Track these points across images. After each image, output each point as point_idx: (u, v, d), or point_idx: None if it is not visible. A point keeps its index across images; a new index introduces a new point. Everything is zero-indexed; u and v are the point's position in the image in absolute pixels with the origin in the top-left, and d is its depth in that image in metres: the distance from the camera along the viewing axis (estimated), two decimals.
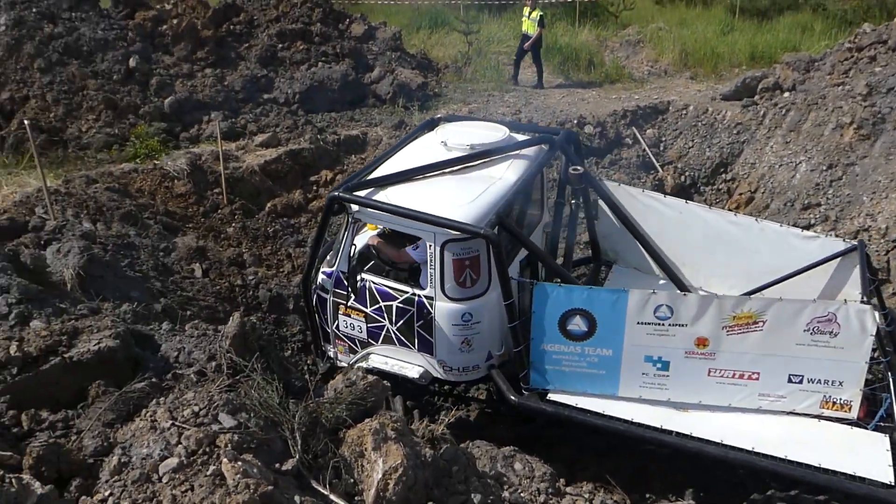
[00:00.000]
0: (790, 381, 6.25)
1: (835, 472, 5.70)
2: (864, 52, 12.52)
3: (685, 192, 13.19)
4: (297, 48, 15.65)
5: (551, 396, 6.71)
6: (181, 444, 3.48)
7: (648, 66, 18.63)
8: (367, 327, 7.09)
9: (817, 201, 11.10)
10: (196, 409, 3.69)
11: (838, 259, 7.07)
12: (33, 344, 4.07)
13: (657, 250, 8.00)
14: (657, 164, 13.52)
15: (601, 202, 8.15)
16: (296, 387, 4.43)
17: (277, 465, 3.65)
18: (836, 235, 9.25)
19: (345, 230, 6.99)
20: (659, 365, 6.44)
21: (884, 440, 5.96)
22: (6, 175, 11.60)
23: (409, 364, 7.08)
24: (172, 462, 3.37)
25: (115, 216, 9.62)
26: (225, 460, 3.32)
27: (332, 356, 7.52)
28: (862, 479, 5.62)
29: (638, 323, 6.30)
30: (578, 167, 7.74)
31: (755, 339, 6.15)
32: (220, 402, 3.73)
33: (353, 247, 6.91)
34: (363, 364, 7.16)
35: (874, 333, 5.89)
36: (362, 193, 6.83)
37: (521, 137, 7.93)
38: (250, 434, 3.62)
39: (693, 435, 6.17)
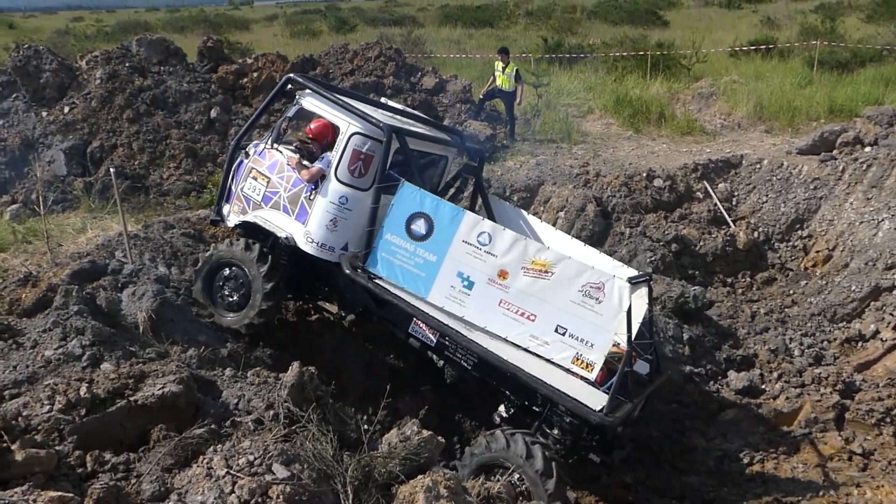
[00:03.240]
0: (556, 331, 7.01)
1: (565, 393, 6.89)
2: None
3: (759, 248, 12.81)
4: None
5: (378, 281, 7.81)
6: (234, 493, 3.50)
7: (721, 119, 18.35)
8: (266, 191, 8.44)
9: None
10: (251, 458, 3.72)
11: (640, 284, 7.59)
12: (102, 386, 4.20)
13: None
14: (729, 219, 13.20)
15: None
16: (351, 438, 4.41)
17: None
18: None
19: (287, 112, 8.56)
20: (466, 283, 7.36)
21: (591, 389, 6.89)
22: (91, 219, 12.21)
23: (281, 228, 8.32)
24: None
25: (189, 261, 9.93)
26: None
27: (224, 214, 8.94)
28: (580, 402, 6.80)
29: (463, 241, 7.34)
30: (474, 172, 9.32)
31: (542, 286, 7.03)
32: (274, 452, 3.74)
33: (286, 131, 8.53)
34: (249, 220, 8.55)
35: (626, 310, 6.70)
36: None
37: (455, 136, 9.51)
38: (302, 486, 3.62)
39: (490, 350, 7.18)
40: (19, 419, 3.86)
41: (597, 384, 6.92)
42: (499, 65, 16.20)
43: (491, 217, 9.00)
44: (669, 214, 13.20)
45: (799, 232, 12.75)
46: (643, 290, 7.49)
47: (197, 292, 8.77)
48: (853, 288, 10.86)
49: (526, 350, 7.17)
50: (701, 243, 12.65)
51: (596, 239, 12.59)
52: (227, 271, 8.74)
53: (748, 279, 12.59)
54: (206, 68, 15.57)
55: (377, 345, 10.02)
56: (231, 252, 8.66)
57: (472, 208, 9.35)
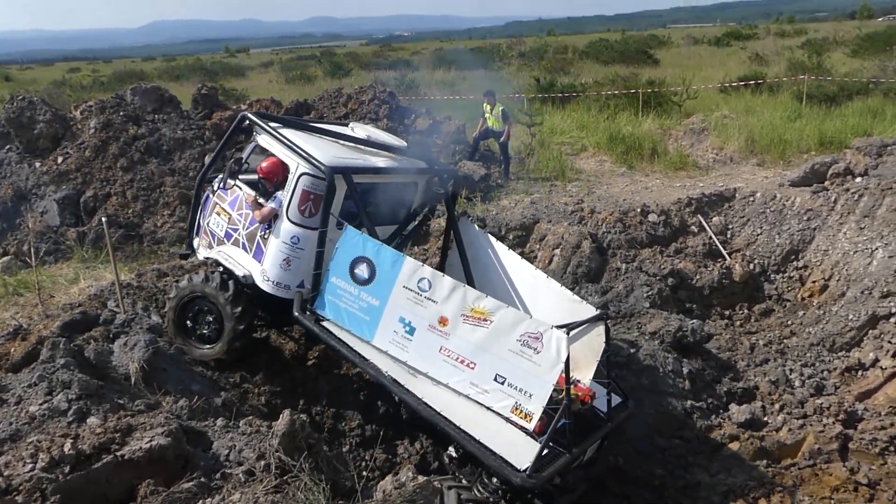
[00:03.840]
0: (496, 379, 6.94)
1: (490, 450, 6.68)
2: None
3: (755, 280, 12.78)
4: None
5: (325, 323, 7.87)
6: None
7: (713, 153, 18.48)
8: (227, 228, 8.62)
9: None
10: None
11: (596, 323, 7.72)
12: (87, 441, 4.11)
13: (472, 273, 9.08)
14: (724, 252, 13.19)
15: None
16: (345, 487, 4.31)
17: None
18: None
19: (247, 148, 8.77)
20: (407, 328, 7.38)
21: (536, 445, 6.68)
22: (84, 269, 12.19)
23: (241, 266, 8.43)
24: None
25: None
26: None
27: (195, 247, 9.17)
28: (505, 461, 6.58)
29: (404, 286, 7.37)
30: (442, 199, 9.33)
31: (481, 334, 7.00)
32: None
33: (247, 165, 8.68)
34: (213, 257, 8.78)
35: (565, 361, 6.61)
36: (272, 125, 8.35)
37: (419, 162, 9.28)
38: None
39: (422, 399, 7.09)
40: (0, 479, 3.77)
41: (535, 435, 6.79)
42: (487, 106, 16.40)
43: (459, 243, 9.19)
44: (665, 249, 13.19)
45: (794, 263, 12.73)
46: (601, 328, 7.55)
47: (170, 330, 8.83)
48: (850, 317, 10.80)
49: (466, 397, 7.10)
50: (697, 277, 12.62)
51: (592, 275, 12.55)
52: (197, 305, 8.80)
53: (746, 311, 12.53)
54: (200, 115, 15.70)
55: (374, 388, 9.90)
56: (200, 287, 8.69)
57: (446, 234, 9.61)
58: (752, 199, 13.96)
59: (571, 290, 12.09)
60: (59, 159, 14.09)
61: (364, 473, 7.59)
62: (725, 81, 26.48)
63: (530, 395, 6.79)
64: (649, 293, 11.75)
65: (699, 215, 13.85)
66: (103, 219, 9.78)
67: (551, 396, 6.83)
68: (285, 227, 8.10)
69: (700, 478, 8.91)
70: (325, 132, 8.81)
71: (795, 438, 9.09)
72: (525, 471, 6.48)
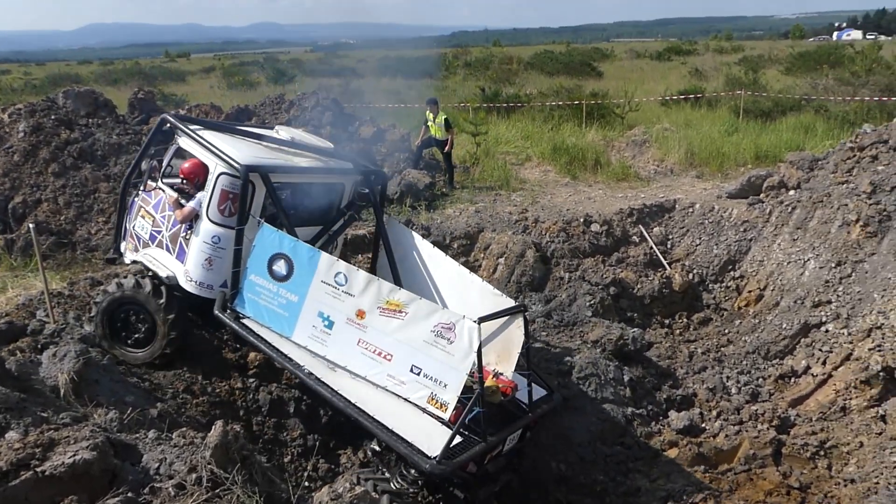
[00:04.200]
0: (412, 370, 7.09)
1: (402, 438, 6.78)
2: (866, 152, 12.60)
3: (694, 289, 13.04)
4: None
5: (245, 321, 7.96)
6: None
7: (654, 165, 18.87)
8: (151, 230, 8.71)
9: (828, 298, 10.89)
10: None
11: (515, 315, 7.85)
12: (4, 458, 3.90)
13: (399, 272, 9.26)
14: (665, 262, 13.44)
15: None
16: (281, 499, 4.19)
17: None
18: (850, 334, 10.20)
19: (168, 151, 8.80)
20: (326, 323, 7.52)
21: (443, 430, 6.82)
22: (13, 277, 11.69)
23: (165, 267, 8.53)
24: None
25: None
26: None
27: (122, 251, 9.27)
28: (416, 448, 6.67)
29: (321, 281, 7.49)
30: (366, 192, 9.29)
31: (396, 326, 7.15)
32: None
33: (170, 167, 8.74)
34: (139, 260, 8.86)
35: (476, 351, 6.74)
36: (192, 127, 8.44)
37: (345, 163, 9.42)
38: None
39: (337, 391, 7.19)
40: None
41: (451, 424, 6.89)
42: (430, 115, 16.41)
43: (386, 242, 9.35)
44: (607, 258, 13.38)
45: (731, 273, 13.04)
46: (520, 321, 7.70)
47: (98, 333, 8.73)
48: (784, 326, 11.10)
49: (384, 389, 7.24)
50: (638, 286, 12.81)
51: (536, 284, 12.64)
52: (127, 310, 8.75)
53: (685, 320, 12.77)
54: (137, 120, 15.31)
55: (317, 398, 9.74)
56: (131, 293, 8.66)
57: (376, 234, 9.74)
58: (691, 210, 14.27)
59: (515, 298, 12.23)
60: None
61: (305, 484, 7.50)
62: (666, 95, 27.14)
63: (445, 385, 6.93)
64: (592, 302, 11.88)
65: (640, 226, 14.09)
66: (31, 225, 9.40)
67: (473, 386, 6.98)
68: (206, 227, 8.23)
69: (640, 483, 9.00)
70: (248, 134, 8.95)
71: (732, 444, 9.27)
72: (435, 458, 6.57)
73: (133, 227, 8.99)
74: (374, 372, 7.30)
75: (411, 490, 7.28)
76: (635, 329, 11.24)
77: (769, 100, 24.69)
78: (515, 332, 7.79)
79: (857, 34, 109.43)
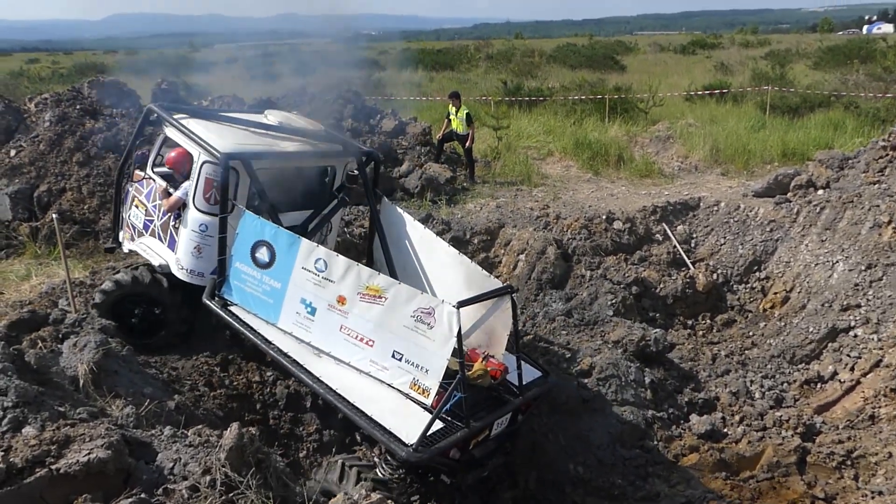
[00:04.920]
0: (394, 356, 7.09)
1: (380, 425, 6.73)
2: None
3: (718, 290, 12.84)
4: None
5: (232, 308, 8.08)
6: None
7: (679, 161, 18.62)
8: (144, 219, 8.88)
9: (857, 302, 10.65)
10: None
11: (502, 296, 7.75)
12: (20, 454, 3.87)
13: (391, 254, 9.23)
14: (688, 261, 13.23)
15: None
16: (296, 503, 4.12)
17: None
18: (880, 339, 10.13)
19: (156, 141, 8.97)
20: (309, 309, 7.55)
21: (426, 417, 6.75)
22: (37, 265, 11.78)
23: (158, 256, 8.70)
24: None
25: None
26: None
27: (120, 241, 9.46)
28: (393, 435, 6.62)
29: (302, 268, 7.52)
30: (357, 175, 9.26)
31: (377, 311, 7.13)
32: None
33: (159, 156, 8.83)
34: (135, 249, 9.09)
35: (457, 335, 6.66)
36: (176, 115, 8.54)
37: (336, 146, 9.37)
38: None
39: (319, 378, 7.19)
40: None
41: (433, 410, 6.85)
42: (452, 108, 16.32)
43: (378, 225, 9.33)
44: (629, 257, 13.19)
45: (757, 274, 12.81)
46: (507, 302, 7.66)
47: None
48: (811, 329, 10.88)
49: (368, 375, 7.27)
50: (661, 285, 12.63)
51: (557, 282, 12.49)
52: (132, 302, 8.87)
53: (708, 321, 12.57)
54: None
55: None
56: (143, 288, 8.80)
57: (371, 216, 9.67)
58: (716, 208, 14.05)
59: (535, 296, 12.10)
60: (13, 152, 13.60)
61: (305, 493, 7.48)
62: (690, 90, 26.78)
63: (426, 371, 6.92)
64: (613, 301, 11.72)
65: (664, 224, 13.88)
66: (54, 215, 9.45)
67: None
68: (193, 216, 8.38)
69: (659, 489, 8.87)
70: (235, 121, 8.95)
71: (754, 451, 9.10)
72: (412, 445, 6.54)
73: (129, 216, 9.19)
74: (357, 358, 7.33)
75: (395, 476, 7.25)
76: (657, 330, 11.07)
77: (797, 95, 24.29)
78: (504, 315, 7.77)
79: (888, 27, 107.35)
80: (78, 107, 14.25)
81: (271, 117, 9.21)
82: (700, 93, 26.29)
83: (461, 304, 6.91)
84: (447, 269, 8.90)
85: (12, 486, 3.75)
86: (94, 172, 13.44)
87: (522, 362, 7.94)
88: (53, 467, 3.86)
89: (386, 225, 9.37)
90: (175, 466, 4.32)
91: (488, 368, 7.59)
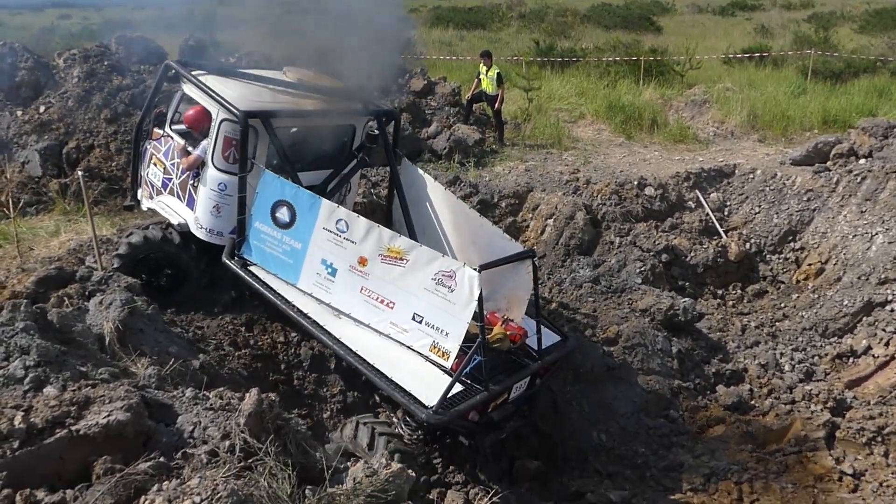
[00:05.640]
0: (414, 318, 7.05)
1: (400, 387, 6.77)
2: None
3: (750, 259, 12.57)
4: None
5: (251, 268, 8.06)
6: None
7: (714, 127, 18.13)
8: (163, 178, 8.74)
9: (895, 276, 10.35)
10: (197, 499, 3.39)
11: (522, 260, 7.74)
12: (41, 414, 3.86)
13: (411, 215, 9.03)
14: (721, 230, 12.94)
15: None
16: (317, 470, 4.09)
17: None
18: None
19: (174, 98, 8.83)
20: (329, 270, 7.49)
21: (445, 379, 6.76)
22: (66, 222, 11.85)
23: (177, 214, 8.63)
24: None
25: None
26: None
27: (139, 199, 9.38)
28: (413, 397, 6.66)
29: (323, 228, 7.44)
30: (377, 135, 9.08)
31: (398, 273, 7.08)
32: (224, 493, 3.42)
33: (177, 114, 8.70)
34: (153, 207, 9.03)
35: (477, 299, 6.58)
36: (195, 72, 8.35)
37: (356, 104, 9.04)
38: None
39: (340, 339, 7.24)
40: None
41: (453, 373, 6.85)
42: (482, 68, 16.02)
43: (398, 185, 9.18)
44: (660, 224, 12.93)
45: (791, 244, 12.50)
46: (528, 266, 7.61)
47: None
48: (845, 302, 10.62)
49: (388, 337, 7.25)
50: (692, 254, 12.39)
51: (585, 248, 12.32)
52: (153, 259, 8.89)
53: (739, 291, 12.34)
54: None
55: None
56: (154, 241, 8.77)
57: (390, 176, 9.52)
58: (751, 176, 13.68)
59: (562, 262, 11.94)
60: (41, 108, 13.61)
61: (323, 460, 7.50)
62: (729, 53, 26.02)
63: (446, 334, 6.87)
64: (642, 269, 11.53)
65: (697, 190, 13.57)
66: (80, 172, 9.45)
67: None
68: (211, 175, 8.25)
69: (683, 459, 8.78)
70: (254, 78, 8.69)
71: (782, 424, 8.96)
72: (431, 407, 6.55)
73: (147, 174, 9.08)
74: (378, 319, 7.30)
75: (414, 437, 7.28)
76: (686, 299, 10.89)
77: (840, 60, 23.43)
78: (524, 278, 7.71)
79: None
80: (105, 63, 14.18)
81: (290, 74, 9.01)
82: (738, 56, 25.52)
83: (482, 267, 6.84)
84: (468, 232, 8.81)
85: (33, 447, 3.76)
86: (121, 129, 13.41)
87: (542, 326, 7.88)
88: (73, 428, 3.85)
89: (406, 186, 9.23)
90: (195, 430, 4.31)
91: (508, 332, 7.56)
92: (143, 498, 3.52)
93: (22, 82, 13.75)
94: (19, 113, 13.50)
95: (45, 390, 4.34)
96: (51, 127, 13.27)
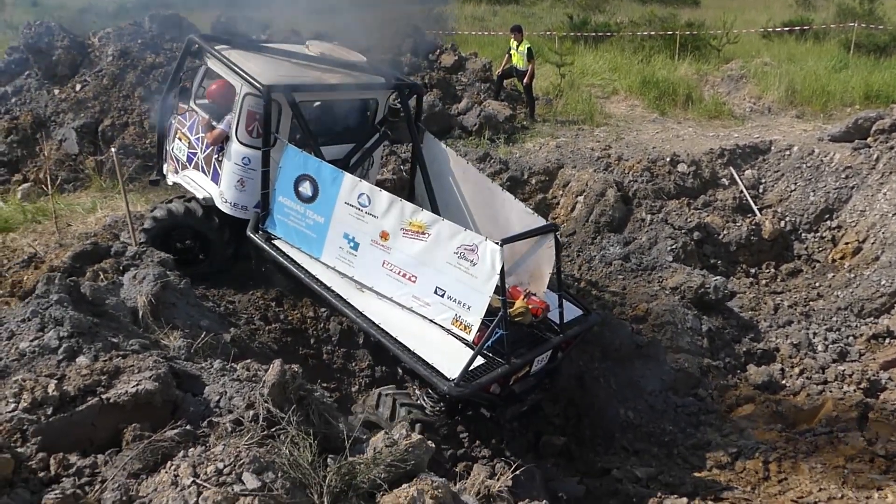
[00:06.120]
0: (436, 292, 7.07)
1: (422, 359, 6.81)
2: None
3: (785, 238, 12.35)
4: None
5: (276, 242, 8.16)
6: None
7: (751, 102, 17.77)
8: (188, 152, 8.83)
9: None
10: (221, 465, 3.49)
11: (545, 234, 7.67)
12: (73, 383, 3.99)
13: (434, 190, 9.06)
14: (755, 207, 12.73)
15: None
16: (338, 440, 4.17)
17: None
18: None
19: (198, 73, 8.90)
20: (352, 244, 7.57)
21: (467, 353, 6.77)
22: (102, 198, 12.10)
23: (202, 189, 8.73)
24: None
25: None
26: None
27: (165, 173, 9.49)
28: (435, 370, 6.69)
29: (345, 203, 7.49)
30: (400, 109, 9.10)
31: (420, 247, 7.10)
32: (246, 459, 3.51)
33: (201, 88, 8.79)
34: (179, 181, 9.15)
35: (499, 272, 6.60)
36: (218, 47, 8.41)
37: (378, 77, 9.06)
38: (274, 498, 3.38)
39: (363, 312, 7.29)
40: None
41: (475, 346, 6.85)
42: (513, 42, 15.88)
43: (420, 159, 9.19)
44: (693, 201, 12.77)
45: (828, 222, 12.26)
46: (550, 240, 7.58)
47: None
48: (883, 282, 10.40)
49: (410, 310, 7.28)
50: (724, 232, 12.22)
51: (615, 225, 12.22)
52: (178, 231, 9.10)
53: (772, 270, 12.15)
54: None
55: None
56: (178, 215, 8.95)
57: (413, 150, 9.50)
58: (788, 152, 13.40)
59: (592, 239, 11.87)
60: (78, 87, 13.85)
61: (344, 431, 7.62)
62: (768, 26, 25.35)
63: (468, 307, 6.90)
64: (673, 246, 11.42)
65: (731, 167, 13.35)
66: (113, 149, 9.63)
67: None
68: (236, 149, 8.32)
69: (711, 437, 8.73)
70: (277, 52, 8.76)
71: (813, 404, 8.84)
72: (454, 380, 6.58)
73: (172, 148, 9.16)
74: (400, 293, 7.34)
75: (436, 409, 7.34)
76: (718, 277, 10.77)
77: (886, 33, 22.69)
78: (546, 252, 7.68)
79: None
80: (139, 41, 14.35)
81: (313, 48, 9.04)
82: (778, 29, 24.87)
83: (504, 241, 6.84)
84: (491, 206, 8.80)
85: (65, 414, 3.89)
86: (155, 107, 13.60)
87: (564, 300, 7.89)
88: (104, 397, 3.98)
89: (429, 160, 9.23)
90: (221, 400, 4.41)
91: (530, 306, 7.56)
92: (169, 463, 3.63)
93: (58, 61, 13.99)
94: (56, 91, 13.77)
95: (77, 360, 4.48)
96: (86, 105, 13.50)
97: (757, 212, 12.66)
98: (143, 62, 13.90)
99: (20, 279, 9.06)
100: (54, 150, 12.98)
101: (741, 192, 12.96)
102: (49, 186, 10.83)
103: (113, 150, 9.49)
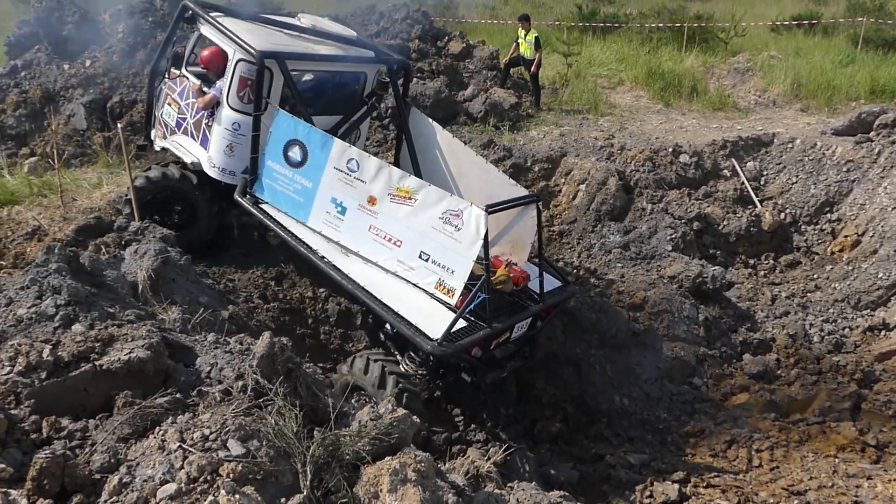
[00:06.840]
0: (420, 256, 7.23)
1: (407, 320, 6.99)
2: None
3: (784, 230, 12.36)
4: None
5: (263, 206, 8.27)
6: (184, 468, 3.35)
7: (756, 95, 17.71)
8: (177, 117, 8.96)
9: None
10: (207, 432, 3.57)
11: (528, 204, 7.87)
12: (67, 349, 4.08)
13: (419, 162, 9.27)
14: (756, 199, 12.73)
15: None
16: (325, 413, 4.24)
17: (283, 500, 3.48)
18: None
19: (191, 39, 9.07)
20: (339, 209, 7.69)
21: (450, 316, 6.93)
22: (108, 174, 12.18)
23: (190, 153, 8.87)
24: (171, 488, 3.25)
25: None
26: (223, 492, 3.18)
27: (152, 139, 9.57)
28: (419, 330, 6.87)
29: (334, 168, 7.61)
30: (388, 82, 9.38)
31: (406, 212, 7.25)
32: (232, 427, 3.59)
33: (193, 54, 8.89)
34: (167, 146, 9.26)
35: (483, 238, 6.78)
36: (212, 14, 8.54)
37: (367, 52, 9.28)
38: (257, 465, 3.46)
39: (348, 274, 7.39)
40: None
41: (457, 310, 7.00)
42: (521, 31, 15.87)
43: (406, 132, 9.36)
44: (693, 192, 12.78)
45: (828, 215, 12.26)
46: (533, 211, 7.77)
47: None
48: (880, 275, 10.42)
49: (395, 274, 7.43)
50: (724, 222, 12.24)
51: (616, 213, 12.25)
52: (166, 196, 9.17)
53: (771, 261, 12.17)
54: None
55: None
56: (176, 184, 9.07)
57: (399, 124, 9.69)
58: (790, 145, 13.38)
59: (593, 227, 11.91)
60: (87, 62, 13.92)
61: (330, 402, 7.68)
62: (777, 20, 25.20)
63: (452, 272, 7.05)
64: (673, 236, 11.45)
65: (733, 159, 13.34)
66: (119, 126, 9.70)
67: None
68: (226, 114, 8.45)
69: (705, 425, 8.81)
70: (269, 22, 8.94)
71: (807, 394, 8.91)
72: (437, 340, 6.75)
73: (161, 114, 9.24)
74: (385, 257, 7.47)
75: (419, 372, 7.47)
76: (716, 267, 10.81)
77: (895, 28, 22.54)
78: (529, 223, 7.87)
79: None
80: (150, 19, 14.40)
81: (304, 20, 9.18)
82: (787, 23, 24.73)
83: (490, 208, 6.95)
84: (474, 178, 8.94)
85: (59, 378, 3.98)
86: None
87: (544, 271, 8.05)
88: (97, 363, 4.06)
89: (415, 133, 9.38)
90: (212, 371, 4.49)
91: (511, 275, 7.74)
92: (157, 429, 3.71)
93: (69, 36, 14.07)
94: (66, 66, 13.84)
95: (73, 327, 4.57)
96: (96, 81, 13.58)
97: (757, 203, 12.67)
98: (153, 40, 13.93)
99: (23, 251, 9.18)
100: (62, 124, 13.07)
101: (742, 183, 12.96)
102: (56, 161, 10.91)
103: (119, 126, 9.54)
